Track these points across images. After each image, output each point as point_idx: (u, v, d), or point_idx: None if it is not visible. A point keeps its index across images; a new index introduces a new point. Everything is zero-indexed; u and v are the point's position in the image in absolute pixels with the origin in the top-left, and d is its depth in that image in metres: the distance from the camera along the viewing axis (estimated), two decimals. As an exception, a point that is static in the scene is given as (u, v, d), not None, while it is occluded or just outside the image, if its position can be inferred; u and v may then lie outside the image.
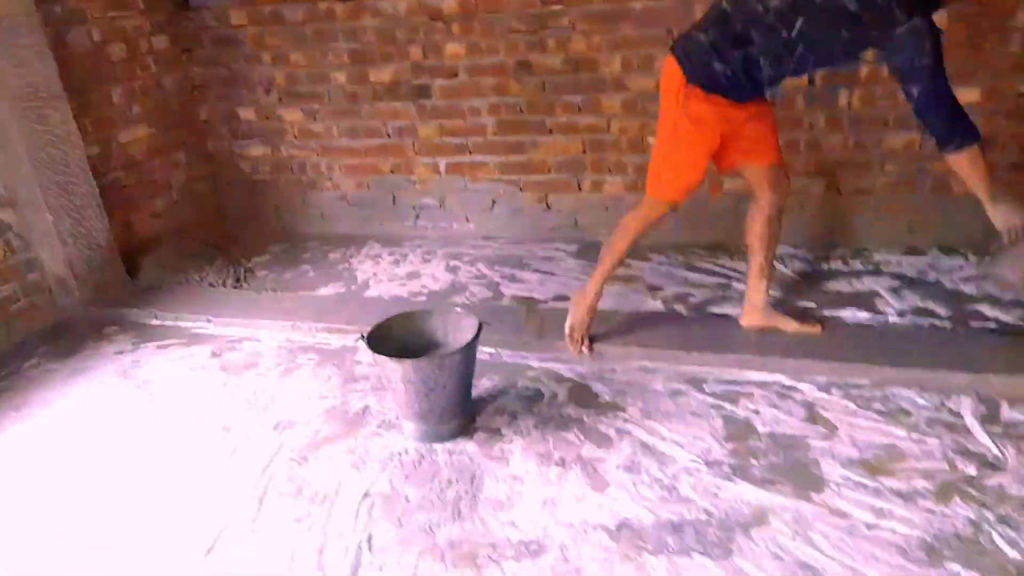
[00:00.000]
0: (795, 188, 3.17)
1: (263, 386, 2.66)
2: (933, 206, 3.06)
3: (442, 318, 2.39)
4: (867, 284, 2.88)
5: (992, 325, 2.51)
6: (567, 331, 2.58)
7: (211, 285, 3.52)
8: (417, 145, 3.72)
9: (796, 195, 3.19)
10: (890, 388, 2.25)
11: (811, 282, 2.96)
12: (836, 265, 3.06)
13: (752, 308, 2.58)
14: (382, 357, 2.14)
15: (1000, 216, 2.09)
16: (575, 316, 2.57)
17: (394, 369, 2.14)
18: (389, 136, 3.75)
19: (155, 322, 3.22)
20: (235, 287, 3.52)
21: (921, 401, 2.19)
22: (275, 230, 4.14)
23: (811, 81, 2.94)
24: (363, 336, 2.24)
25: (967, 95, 2.83)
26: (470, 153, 3.65)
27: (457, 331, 2.34)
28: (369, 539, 1.91)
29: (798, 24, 1.95)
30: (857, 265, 3.03)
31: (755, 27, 1.99)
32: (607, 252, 2.51)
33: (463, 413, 2.30)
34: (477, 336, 2.22)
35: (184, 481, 2.19)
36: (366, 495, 2.07)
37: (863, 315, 2.65)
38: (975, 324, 2.53)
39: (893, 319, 2.62)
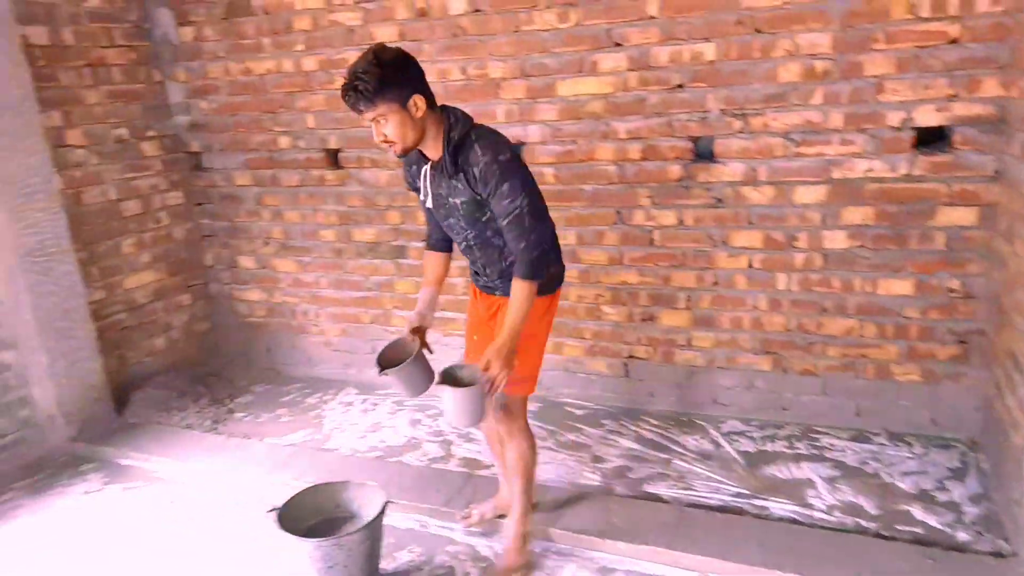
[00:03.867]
0: (743, 365, 3.23)
1: (202, 542, 2.76)
2: (878, 391, 3.04)
3: (357, 491, 2.47)
4: (805, 471, 2.84)
5: (918, 530, 2.44)
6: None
7: (188, 427, 3.71)
8: (394, 299, 3.93)
9: (745, 372, 3.24)
10: (793, 597, 2.20)
11: (751, 462, 2.94)
12: (780, 447, 3.03)
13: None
14: (284, 534, 2.22)
15: (491, 352, 2.07)
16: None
17: (295, 546, 2.22)
18: (370, 289, 3.98)
19: (127, 462, 3.39)
20: (211, 430, 3.69)
21: (820, 615, 2.12)
22: (265, 370, 4.35)
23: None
24: (275, 509, 2.33)
25: (897, 286, 2.88)
26: (442, 310, 3.83)
27: (368, 506, 2.41)
28: None
29: (471, 228, 2.19)
30: (801, 448, 3.00)
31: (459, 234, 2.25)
32: (527, 485, 2.43)
33: (367, 590, 2.33)
34: (378, 517, 2.29)
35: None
36: (253, 676, 2.11)
37: (790, 508, 2.61)
38: (901, 527, 2.46)
39: (820, 515, 2.57)
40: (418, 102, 1.99)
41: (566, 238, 3.40)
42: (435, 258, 2.44)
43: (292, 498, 2.42)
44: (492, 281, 2.32)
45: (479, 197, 2.09)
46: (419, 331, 2.32)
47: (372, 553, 2.33)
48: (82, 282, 3.58)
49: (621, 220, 3.27)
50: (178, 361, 4.25)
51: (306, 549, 2.21)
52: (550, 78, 3.16)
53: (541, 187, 3.35)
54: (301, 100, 3.73)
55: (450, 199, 2.16)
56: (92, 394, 3.63)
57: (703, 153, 3.01)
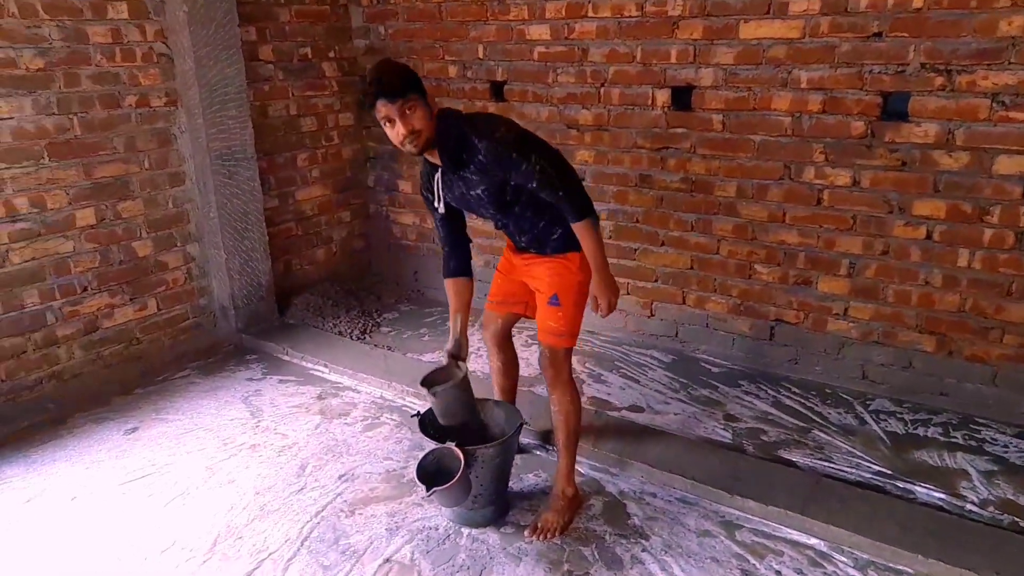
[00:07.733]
0: (903, 343, 3.03)
1: (346, 436, 2.99)
2: (1059, 390, 2.77)
3: (495, 408, 2.57)
4: (960, 461, 2.65)
5: (1086, 540, 2.23)
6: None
7: (339, 334, 3.98)
8: (541, 236, 3.97)
9: (904, 350, 3.05)
10: (932, 584, 2.09)
11: (899, 444, 2.78)
12: (934, 432, 2.84)
13: None
14: (428, 440, 2.36)
15: (598, 285, 2.27)
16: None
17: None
18: (518, 224, 4.04)
19: (285, 358, 3.71)
20: (359, 339, 3.95)
21: (962, 607, 2.01)
22: (411, 291, 4.58)
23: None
24: (419, 414, 2.48)
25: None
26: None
27: (507, 423, 2.51)
28: (374, 602, 2.12)
29: (500, 213, 2.31)
30: (958, 437, 2.79)
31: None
32: (572, 438, 2.43)
33: (495, 504, 2.45)
34: (515, 435, 2.38)
35: (249, 509, 2.54)
36: (387, 560, 2.29)
37: (939, 496, 2.46)
38: (1065, 534, 2.26)
39: (971, 507, 2.40)
40: (431, 102, 2.11)
41: (725, 189, 3.30)
42: (458, 285, 2.47)
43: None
44: (529, 245, 2.39)
45: (497, 179, 2.16)
46: (458, 358, 2.46)
47: (503, 469, 2.43)
48: (260, 189, 3.88)
49: (789, 176, 3.11)
50: (335, 273, 4.55)
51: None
52: (732, 19, 3.01)
53: (706, 135, 3.28)
54: (474, 30, 3.79)
55: (471, 192, 2.23)
56: (260, 293, 3.97)
57: (893, 110, 2.78)
